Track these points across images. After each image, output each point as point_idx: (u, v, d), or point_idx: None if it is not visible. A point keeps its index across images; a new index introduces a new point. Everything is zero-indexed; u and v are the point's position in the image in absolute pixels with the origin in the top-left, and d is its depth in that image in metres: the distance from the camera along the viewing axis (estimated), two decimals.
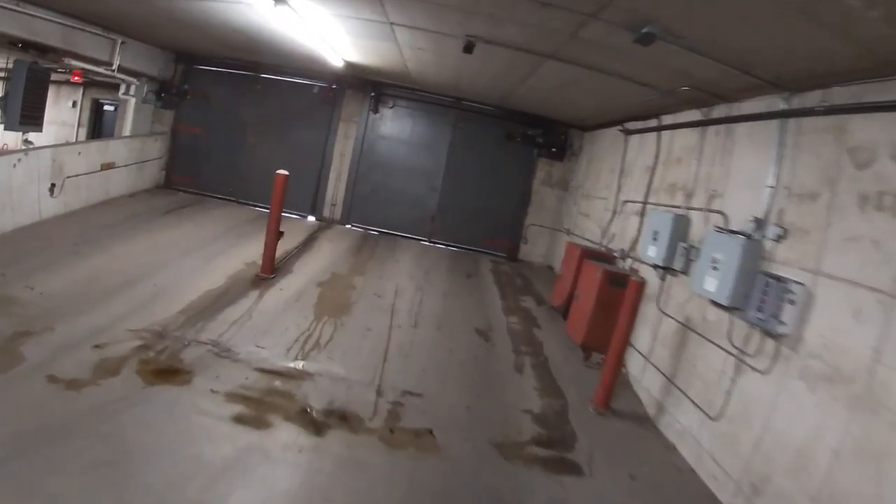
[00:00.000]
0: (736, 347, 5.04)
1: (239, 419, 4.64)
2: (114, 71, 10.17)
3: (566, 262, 8.83)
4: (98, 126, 15.64)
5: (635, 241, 7.77)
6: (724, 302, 5.02)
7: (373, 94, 12.06)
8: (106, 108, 15.68)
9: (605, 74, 6.25)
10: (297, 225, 11.62)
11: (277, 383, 5.28)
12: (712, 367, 5.36)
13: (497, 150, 12.22)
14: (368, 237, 11.87)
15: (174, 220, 10.08)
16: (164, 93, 12.07)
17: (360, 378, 5.66)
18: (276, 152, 12.19)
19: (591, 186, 10.84)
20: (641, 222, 7.73)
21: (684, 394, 5.71)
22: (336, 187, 12.37)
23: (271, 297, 7.25)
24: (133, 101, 11.51)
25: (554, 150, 12.16)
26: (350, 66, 10.12)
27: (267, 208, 12.25)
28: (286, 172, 7.75)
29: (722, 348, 5.24)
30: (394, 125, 12.38)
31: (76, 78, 12.11)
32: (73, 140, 14.14)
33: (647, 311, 6.81)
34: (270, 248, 7.84)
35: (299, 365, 5.70)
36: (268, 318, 6.61)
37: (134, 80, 11.18)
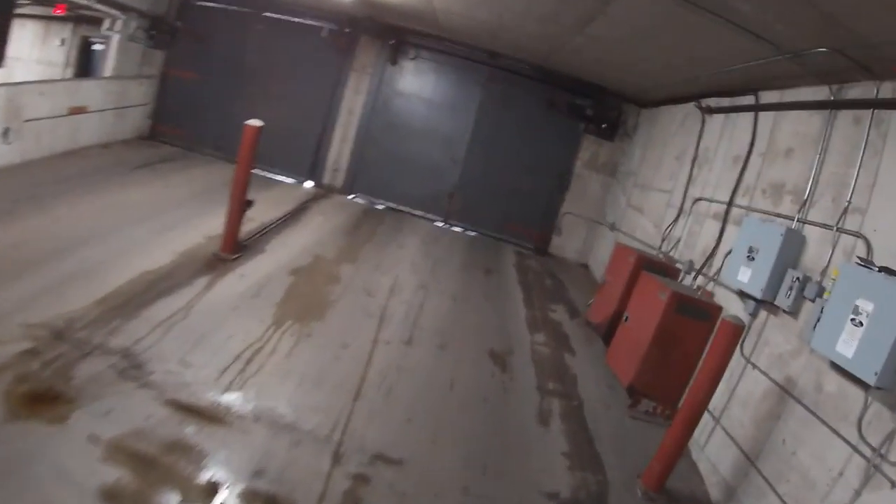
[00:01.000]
0: (869, 444, 3.31)
1: (109, 496, 3.05)
2: (96, 1, 8.92)
3: (614, 269, 7.09)
4: (86, 66, 14.19)
5: (711, 254, 6.00)
6: (864, 376, 3.29)
7: (392, 41, 10.33)
8: (95, 47, 14.25)
9: (709, 15, 4.40)
10: (289, 192, 10.07)
11: (190, 430, 3.71)
12: (823, 461, 3.65)
13: (535, 119, 10.46)
14: (372, 212, 10.26)
15: (143, 178, 8.63)
16: (155, 31, 10.48)
17: (315, 427, 4.05)
18: (276, 104, 10.62)
19: (647, 175, 9.01)
20: (723, 230, 5.95)
21: (771, 487, 4.02)
22: (340, 150, 10.72)
23: (224, 288, 5.68)
24: (116, 38, 10.06)
25: (604, 126, 10.29)
26: (367, 5, 8.53)
27: (259, 169, 10.84)
28: (259, 123, 6.16)
29: (844, 439, 3.53)
30: (414, 80, 10.67)
31: (59, 11, 10.77)
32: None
33: None
34: (234, 220, 6.25)
35: (231, 399, 4.09)
36: (209, 318, 5.05)
37: (120, 13, 9.76)
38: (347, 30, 10.22)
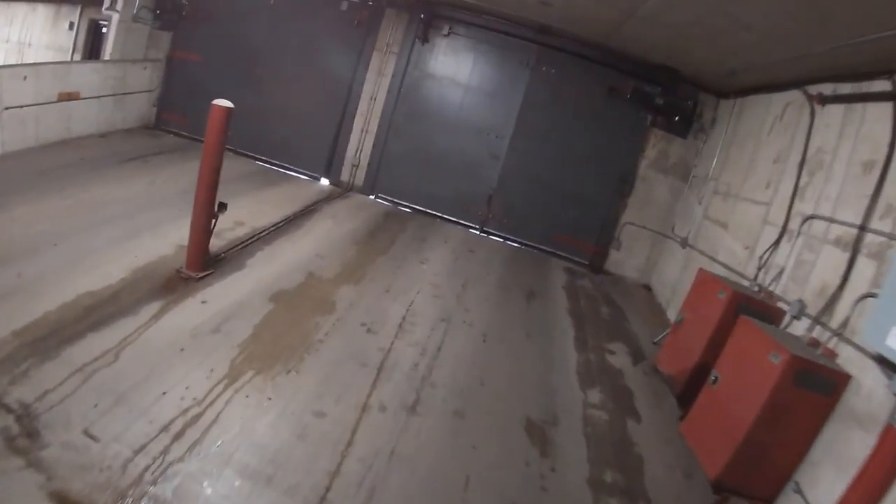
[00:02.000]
0: None
1: None
2: None
3: (696, 304, 5.65)
4: (95, 50, 13.48)
5: (834, 297, 4.47)
6: None
7: (422, 15, 9.05)
8: (105, 30, 13.55)
9: None
10: (300, 190, 8.95)
11: None
12: None
13: (593, 109, 8.99)
14: (394, 216, 8.98)
15: (130, 172, 7.66)
16: (162, 9, 9.62)
17: None
18: (289, 89, 9.63)
19: (732, 180, 7.48)
20: (852, 263, 4.43)
21: None
22: (361, 142, 9.52)
23: (177, 319, 4.51)
24: (116, 17, 9.28)
25: (677, 118, 8.74)
26: None
27: (271, 163, 9.84)
28: (228, 104, 4.94)
29: None
30: (448, 61, 9.33)
31: None
32: None
33: (849, 437, 3.64)
34: (199, 229, 5.09)
35: (138, 500, 2.87)
36: (145, 363, 3.89)
37: None
38: (370, 2, 9.00)
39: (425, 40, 9.17)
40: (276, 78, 9.65)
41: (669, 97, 8.55)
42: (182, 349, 4.14)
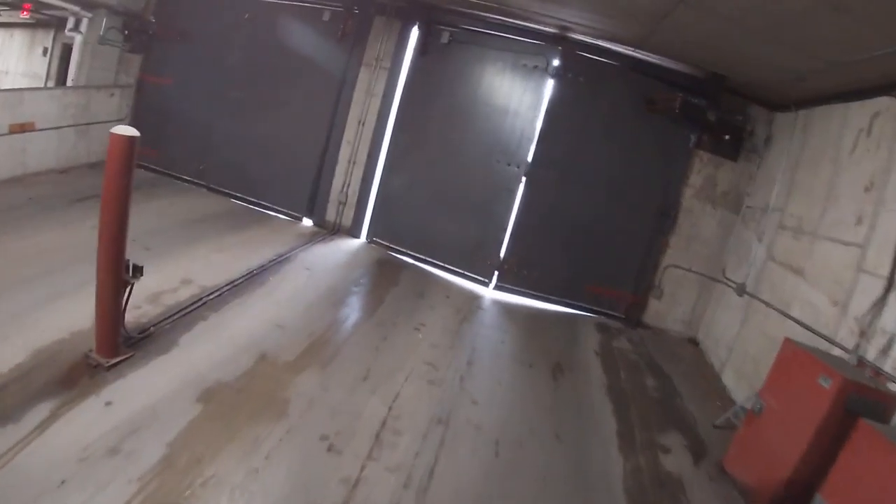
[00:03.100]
0: None
1: None
2: None
3: (781, 389, 4.37)
4: (65, 76, 12.84)
5: None
6: None
7: (419, 21, 7.98)
8: None
9: None
10: (275, 233, 7.87)
11: None
12: None
13: (628, 126, 7.72)
14: (386, 266, 7.81)
15: (78, 214, 6.61)
16: (131, 30, 8.81)
17: None
18: (266, 114, 8.62)
19: (805, 213, 6.21)
20: None
21: None
22: (348, 175, 8.42)
23: (68, 430, 3.49)
24: (79, 39, 8.58)
25: (727, 137, 7.46)
26: None
27: (247, 201, 8.65)
28: (132, 132, 3.73)
29: None
30: (450, 74, 8.11)
31: (25, 13, 9.81)
32: None
33: None
34: (106, 303, 3.88)
35: None
36: None
37: (85, 11, 8.35)
38: (356, 9, 7.97)
39: (423, 51, 8.04)
40: (253, 101, 8.68)
41: (718, 111, 7.28)
42: (62, 482, 2.98)
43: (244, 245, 6.90)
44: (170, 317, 4.80)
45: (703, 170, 7.74)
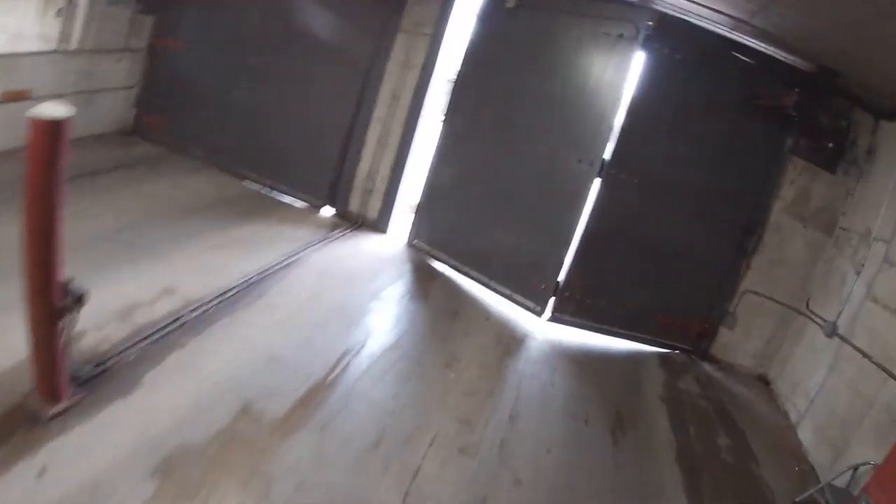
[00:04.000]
0: None
1: None
2: None
3: None
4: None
5: None
6: None
7: None
8: None
9: None
10: (286, 225, 6.79)
11: None
12: None
13: (725, 124, 6.22)
14: (418, 274, 6.64)
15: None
16: None
17: None
18: (286, 84, 7.46)
19: None
20: None
21: None
22: (376, 159, 7.25)
23: None
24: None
25: (831, 144, 6.20)
26: None
27: (261, 183, 7.49)
28: (59, 114, 2.62)
29: None
30: (514, 45, 6.61)
31: None
32: None
33: None
34: (39, 337, 2.87)
35: None
36: None
37: None
38: None
39: (483, 18, 6.69)
40: (273, 71, 7.53)
41: (817, 111, 6.04)
42: None
43: (248, 241, 5.87)
44: (138, 342, 3.80)
45: (796, 180, 6.46)
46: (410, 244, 7.17)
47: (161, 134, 7.94)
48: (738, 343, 6.79)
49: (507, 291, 6.50)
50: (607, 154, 6.09)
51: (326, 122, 7.26)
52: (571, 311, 6.41)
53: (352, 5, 7.11)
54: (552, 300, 6.35)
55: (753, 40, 5.84)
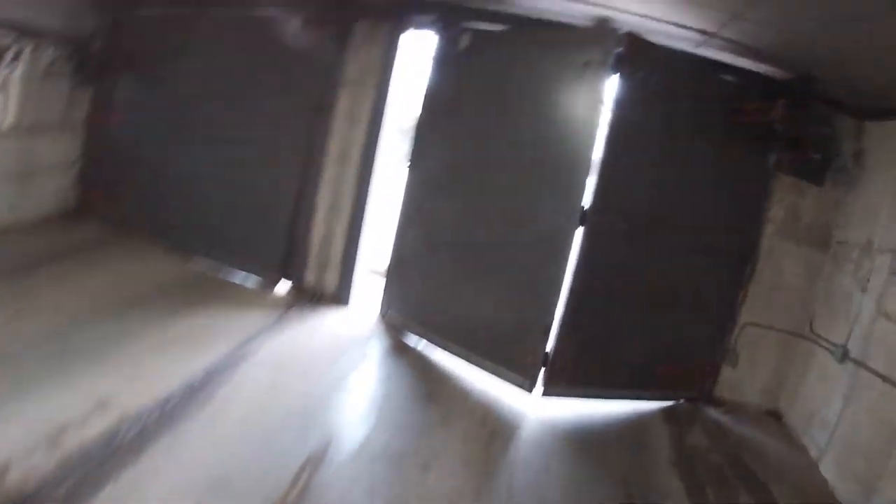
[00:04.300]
0: None
1: None
2: None
3: None
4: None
5: None
6: None
7: (435, 23, 6.18)
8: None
9: None
10: (236, 310, 6.08)
11: None
12: None
13: (707, 145, 5.58)
14: (387, 353, 5.88)
15: None
16: (79, 60, 7.26)
17: None
18: (226, 152, 6.88)
19: None
20: None
21: None
22: (330, 226, 6.58)
23: None
24: (18, 73, 6.61)
25: (818, 155, 5.74)
26: None
27: (209, 261, 6.75)
28: None
29: None
30: (473, 89, 5.90)
31: None
32: None
33: None
34: None
35: None
36: None
37: (22, 39, 6.50)
38: (331, 16, 6.29)
39: (437, 64, 6.10)
40: (213, 137, 6.96)
41: (812, 123, 5.58)
42: None
43: (194, 334, 5.16)
44: (64, 478, 3.10)
45: (784, 198, 5.98)
46: (382, 316, 6.43)
47: (106, 213, 7.37)
48: (743, 380, 6.22)
49: (492, 366, 5.57)
50: (588, 197, 5.26)
51: (273, 189, 6.66)
52: (565, 382, 5.51)
53: (289, 61, 6.54)
54: (542, 373, 5.45)
55: (726, 54, 5.42)
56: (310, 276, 6.60)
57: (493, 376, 5.57)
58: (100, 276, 5.98)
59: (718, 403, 6.14)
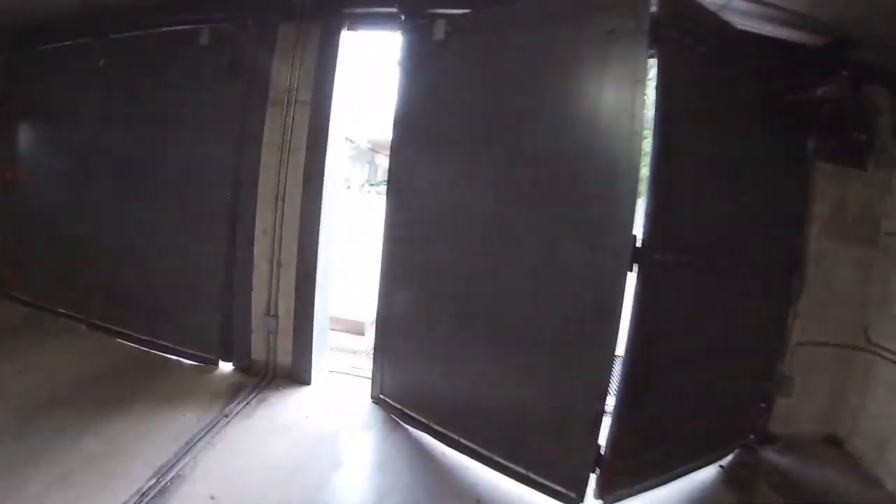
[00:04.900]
0: None
1: None
2: None
3: None
4: None
5: None
6: None
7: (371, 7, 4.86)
8: None
9: None
10: (169, 408, 4.62)
11: None
12: None
13: (759, 135, 4.18)
14: (380, 457, 4.42)
15: None
16: None
17: None
18: (142, 204, 5.53)
19: None
20: None
21: None
22: (272, 281, 5.19)
23: None
24: None
25: (863, 136, 4.72)
26: None
27: (136, 339, 5.15)
28: None
29: None
30: (459, 91, 4.31)
31: None
32: None
33: None
34: None
35: None
36: None
37: None
38: (248, 20, 4.92)
39: (406, 62, 4.59)
40: (125, 186, 5.63)
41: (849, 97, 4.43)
42: None
43: (109, 454, 3.76)
44: None
45: (828, 191, 4.89)
46: (376, 400, 4.95)
47: (21, 290, 6.25)
48: (798, 408, 5.10)
49: (519, 470, 3.96)
50: (639, 227, 3.53)
51: (197, 246, 5.25)
52: (625, 483, 3.90)
53: (201, 82, 5.20)
54: (594, 476, 3.81)
55: (749, 20, 4.27)
56: (257, 350, 5.20)
57: (522, 483, 3.96)
58: (2, 374, 4.68)
59: (774, 440, 5.03)
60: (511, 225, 4.00)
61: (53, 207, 6.07)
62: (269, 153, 4.99)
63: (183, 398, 4.71)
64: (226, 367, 5.29)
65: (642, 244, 3.51)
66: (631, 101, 3.43)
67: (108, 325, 5.70)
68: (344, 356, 6.18)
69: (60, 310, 6.04)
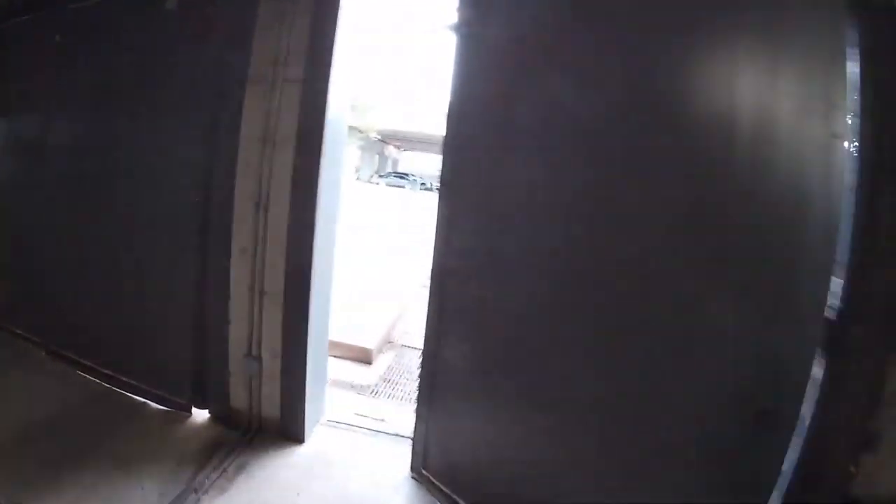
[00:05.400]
0: None
1: None
2: None
3: None
4: None
5: None
6: None
7: None
8: None
9: None
10: (134, 469, 3.55)
11: None
12: None
13: None
14: None
15: None
16: None
17: None
18: (103, 215, 4.49)
19: None
20: None
21: None
22: (253, 312, 4.04)
23: None
24: None
25: None
26: None
27: (99, 372, 4.19)
28: None
29: None
30: (549, 60, 2.86)
31: None
32: None
33: None
34: None
35: None
36: None
37: None
38: None
39: (475, 19, 3.20)
40: (80, 189, 4.59)
41: None
42: None
43: None
44: None
45: None
46: (416, 474, 3.75)
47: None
48: (884, 465, 3.91)
49: None
50: (833, 291, 2.27)
51: (166, 265, 4.17)
52: None
53: (168, 56, 4.11)
54: None
55: None
56: (237, 396, 4.11)
57: None
58: None
59: None
60: (634, 257, 2.63)
61: (5, 209, 5.10)
62: (248, 147, 3.84)
63: (144, 461, 3.68)
64: (201, 414, 4.23)
65: (839, 316, 2.19)
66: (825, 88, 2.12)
67: (69, 355, 4.70)
68: (345, 393, 5.07)
69: (18, 331, 5.09)
